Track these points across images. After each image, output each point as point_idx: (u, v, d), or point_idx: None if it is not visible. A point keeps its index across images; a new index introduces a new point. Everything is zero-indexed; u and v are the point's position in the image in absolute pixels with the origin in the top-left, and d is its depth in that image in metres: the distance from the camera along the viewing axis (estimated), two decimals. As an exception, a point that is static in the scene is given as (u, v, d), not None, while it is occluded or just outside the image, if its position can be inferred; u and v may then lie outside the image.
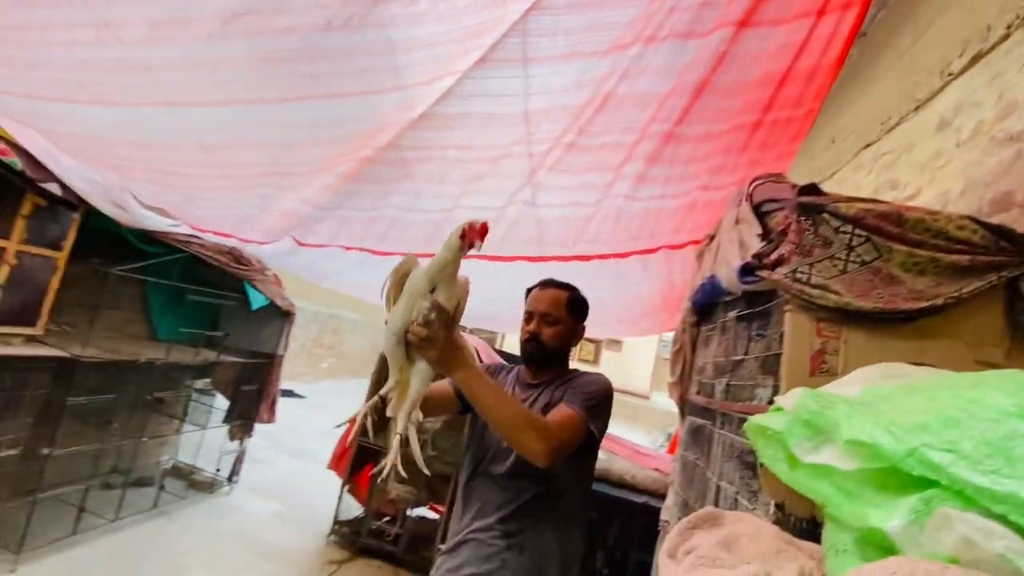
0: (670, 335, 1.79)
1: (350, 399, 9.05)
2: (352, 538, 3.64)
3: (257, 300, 3.81)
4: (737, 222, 1.16)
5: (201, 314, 3.88)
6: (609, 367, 16.66)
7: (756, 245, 1.03)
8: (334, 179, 1.79)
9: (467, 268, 1.09)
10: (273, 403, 4.22)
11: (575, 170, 1.66)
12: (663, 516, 2.52)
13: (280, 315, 4.19)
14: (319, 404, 7.80)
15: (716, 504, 1.12)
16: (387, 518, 3.73)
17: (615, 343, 16.12)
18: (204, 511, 3.67)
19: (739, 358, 1.18)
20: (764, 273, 0.98)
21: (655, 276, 2.31)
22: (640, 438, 6.37)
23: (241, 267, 3.53)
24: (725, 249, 1.18)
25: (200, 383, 4.02)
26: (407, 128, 1.53)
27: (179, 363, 3.32)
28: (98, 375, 2.83)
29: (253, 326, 4.06)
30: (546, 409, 1.31)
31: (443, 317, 1.06)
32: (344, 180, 1.79)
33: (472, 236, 1.01)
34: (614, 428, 1.71)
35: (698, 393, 1.52)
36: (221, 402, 4.10)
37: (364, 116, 1.54)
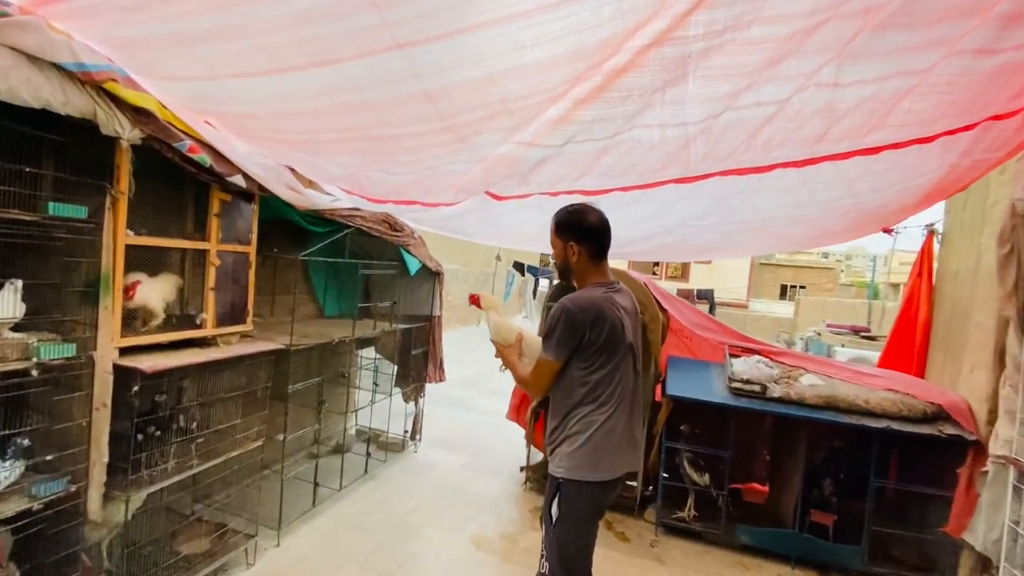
0: None
1: (473, 346, 9.27)
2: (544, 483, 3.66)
3: (413, 265, 3.72)
4: None
5: (356, 287, 3.89)
6: (700, 280, 16.28)
7: None
8: (567, 107, 1.47)
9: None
10: (440, 362, 4.26)
11: (921, 22, 1.21)
12: (997, 451, 2.17)
13: (431, 276, 4.12)
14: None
15: None
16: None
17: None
18: (403, 470, 3.85)
19: None
20: None
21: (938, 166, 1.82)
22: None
23: (397, 234, 3.41)
24: None
25: (366, 352, 4.11)
26: (698, 7, 1.15)
27: (361, 337, 3.33)
28: (300, 359, 2.89)
29: (407, 291, 4.02)
30: None
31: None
32: (580, 107, 1.46)
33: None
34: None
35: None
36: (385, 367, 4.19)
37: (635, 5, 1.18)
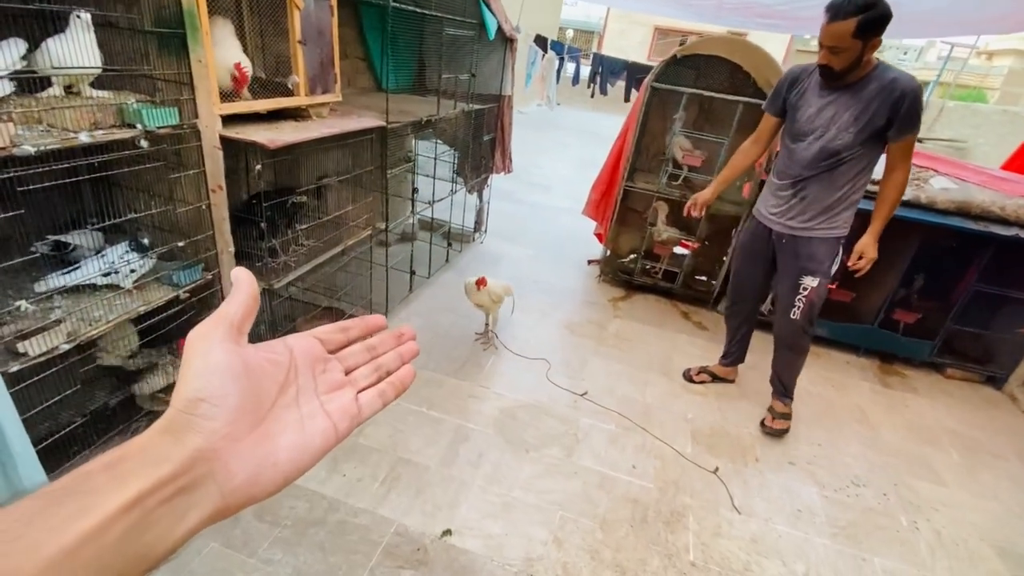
0: None
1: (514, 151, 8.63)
2: (622, 276, 3.69)
3: (492, 26, 3.03)
4: None
5: (413, 59, 3.24)
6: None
7: None
8: None
9: None
10: (509, 151, 3.87)
11: None
12: None
13: (503, 44, 3.43)
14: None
15: None
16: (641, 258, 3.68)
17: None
18: (476, 260, 3.82)
19: None
20: None
21: None
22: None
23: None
24: None
25: (424, 136, 3.67)
26: None
27: (444, 118, 2.88)
28: (395, 142, 2.51)
29: (476, 63, 3.38)
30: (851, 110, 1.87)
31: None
32: None
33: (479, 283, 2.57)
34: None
35: None
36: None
37: None
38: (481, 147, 3.63)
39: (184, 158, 1.59)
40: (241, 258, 1.75)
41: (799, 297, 2.17)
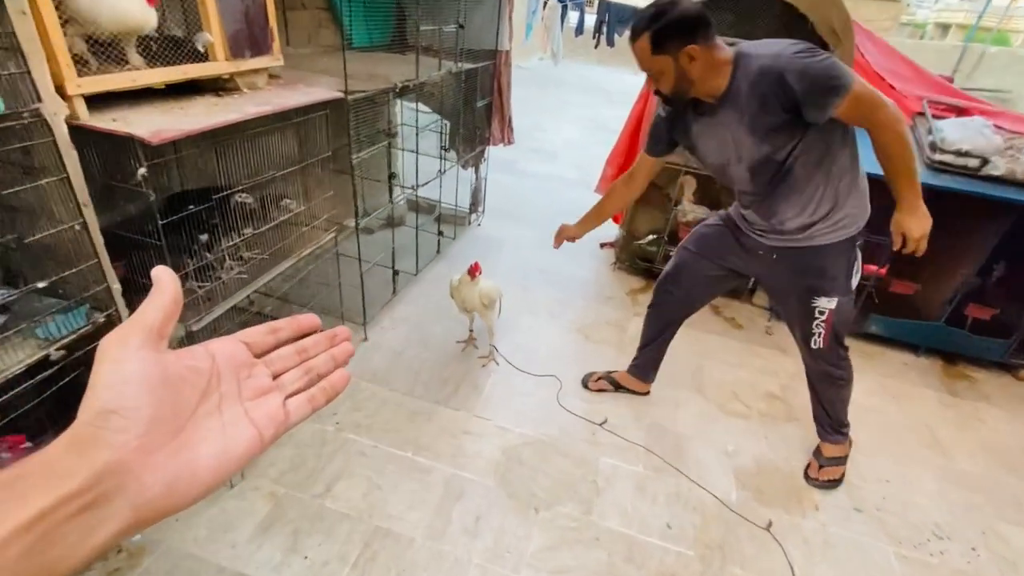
0: None
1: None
2: (640, 264, 3.21)
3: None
4: None
5: (390, 7, 2.65)
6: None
7: None
8: None
9: None
10: (509, 119, 3.31)
11: None
12: None
13: (498, -14, 2.82)
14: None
15: None
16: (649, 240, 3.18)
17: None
18: (472, 247, 3.34)
19: None
20: None
21: None
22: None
23: None
24: None
25: (407, 101, 3.11)
26: None
27: (428, 82, 2.34)
28: (362, 114, 1.99)
29: (462, 14, 2.79)
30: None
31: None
32: None
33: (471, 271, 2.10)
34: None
35: None
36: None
37: None
38: (475, 115, 3.08)
39: (42, 160, 1.11)
40: (139, 293, 1.29)
41: (816, 324, 1.68)
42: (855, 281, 1.64)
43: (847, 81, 1.27)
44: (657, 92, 1.48)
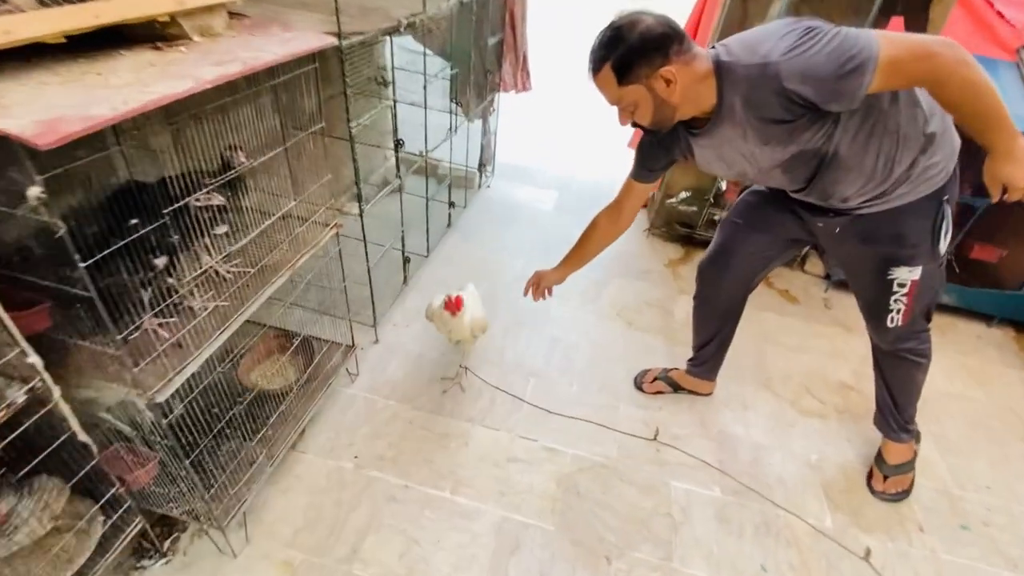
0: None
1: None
2: (678, 230, 2.83)
3: None
4: None
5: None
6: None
7: None
8: None
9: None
10: (524, 59, 2.78)
11: None
12: None
13: None
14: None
15: None
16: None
17: None
18: (486, 216, 2.90)
19: None
20: None
21: None
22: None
23: None
24: None
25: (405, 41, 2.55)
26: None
27: (434, 16, 1.82)
28: (357, 62, 1.51)
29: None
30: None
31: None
32: None
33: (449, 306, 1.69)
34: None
35: None
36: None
37: None
38: (484, 56, 2.55)
39: None
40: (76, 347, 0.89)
41: (895, 299, 1.38)
42: (944, 245, 1.30)
43: (869, 53, 0.95)
44: (635, 124, 1.20)
